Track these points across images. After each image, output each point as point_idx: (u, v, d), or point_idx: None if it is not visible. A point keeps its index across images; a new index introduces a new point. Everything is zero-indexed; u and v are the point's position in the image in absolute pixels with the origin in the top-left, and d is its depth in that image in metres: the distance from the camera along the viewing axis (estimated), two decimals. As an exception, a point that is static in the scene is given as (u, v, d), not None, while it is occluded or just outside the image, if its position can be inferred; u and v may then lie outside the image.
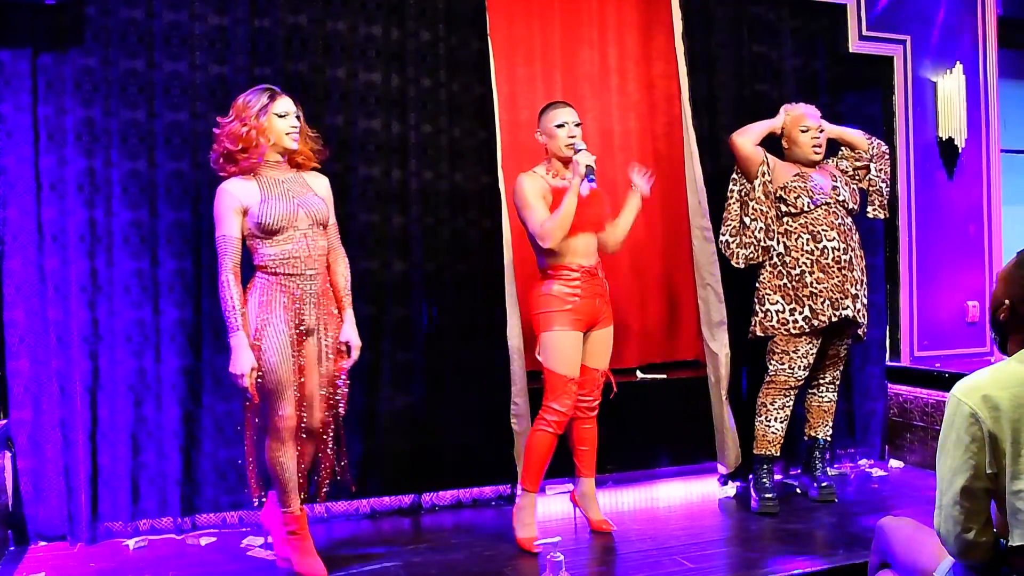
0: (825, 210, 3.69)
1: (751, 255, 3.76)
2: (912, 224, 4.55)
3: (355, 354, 3.04)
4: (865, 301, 3.75)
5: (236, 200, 2.84)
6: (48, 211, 3.30)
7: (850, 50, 4.40)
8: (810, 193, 3.68)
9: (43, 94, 3.29)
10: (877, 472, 4.30)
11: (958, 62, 4.59)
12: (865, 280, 3.78)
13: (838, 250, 3.65)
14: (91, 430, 3.34)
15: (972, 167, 4.68)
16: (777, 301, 3.69)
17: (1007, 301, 1.87)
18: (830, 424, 3.93)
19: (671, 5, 4.04)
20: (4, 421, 3.30)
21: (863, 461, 4.43)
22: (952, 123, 4.57)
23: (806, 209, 3.68)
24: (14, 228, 3.29)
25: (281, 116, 2.90)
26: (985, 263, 4.70)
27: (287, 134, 2.91)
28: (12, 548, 3.29)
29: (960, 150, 4.61)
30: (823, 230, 3.66)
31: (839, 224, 3.68)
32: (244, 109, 2.88)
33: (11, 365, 3.30)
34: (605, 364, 3.38)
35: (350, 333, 3.03)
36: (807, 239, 3.67)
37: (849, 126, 4.01)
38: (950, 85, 4.57)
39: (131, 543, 3.35)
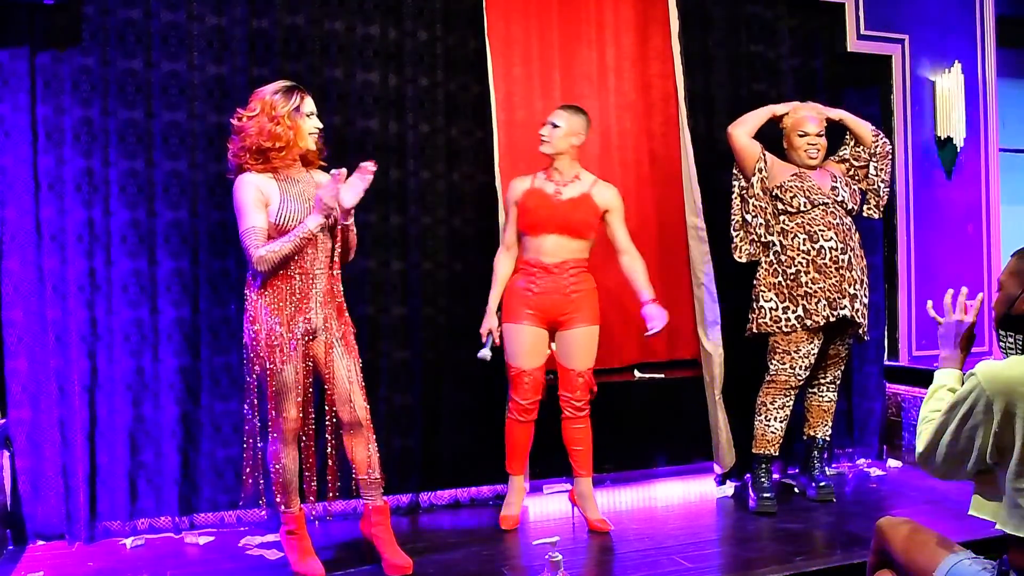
0: (823, 210, 3.69)
1: (754, 251, 3.77)
2: (910, 223, 4.54)
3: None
4: (865, 301, 3.75)
5: (260, 192, 2.81)
6: (46, 211, 3.30)
7: (848, 49, 4.40)
8: (806, 193, 3.68)
9: (41, 94, 3.29)
10: (875, 472, 4.30)
11: (956, 61, 4.59)
12: (865, 280, 3.77)
13: (835, 250, 3.64)
14: (89, 429, 3.34)
15: (971, 166, 4.67)
16: (771, 299, 3.69)
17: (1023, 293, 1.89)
18: (829, 424, 3.93)
19: (668, 4, 4.03)
20: (3, 420, 3.30)
21: (861, 460, 4.43)
22: (951, 122, 4.57)
23: (802, 209, 3.68)
24: (12, 228, 3.29)
25: (308, 116, 2.89)
26: (984, 262, 4.69)
27: (310, 134, 2.91)
28: (11, 547, 3.29)
29: (959, 149, 4.61)
30: (820, 230, 3.66)
31: (837, 224, 3.68)
32: (274, 106, 2.82)
33: (9, 364, 3.30)
34: (581, 365, 3.40)
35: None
36: (803, 239, 3.67)
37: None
38: (949, 84, 4.57)
39: (129, 542, 3.36)
